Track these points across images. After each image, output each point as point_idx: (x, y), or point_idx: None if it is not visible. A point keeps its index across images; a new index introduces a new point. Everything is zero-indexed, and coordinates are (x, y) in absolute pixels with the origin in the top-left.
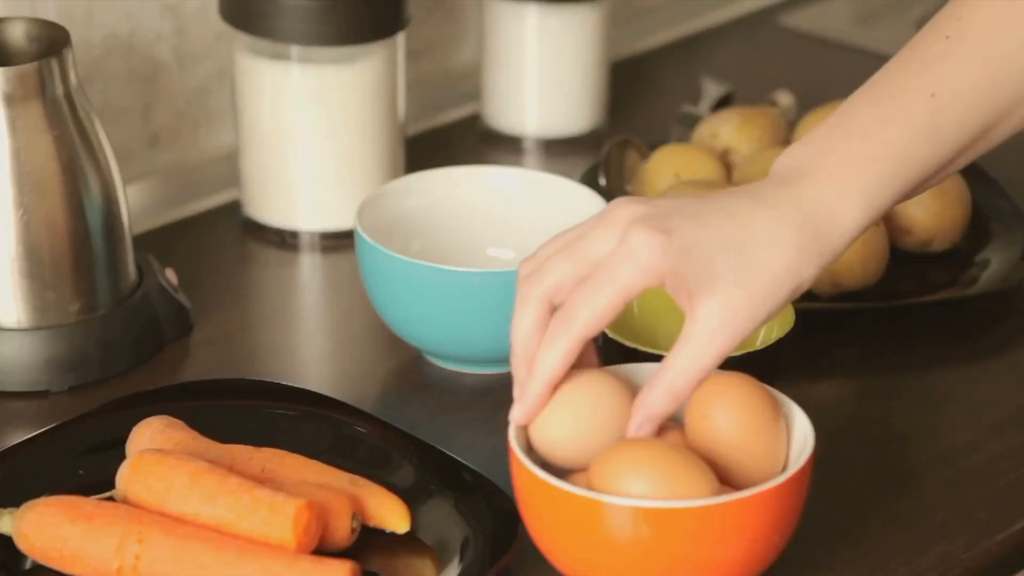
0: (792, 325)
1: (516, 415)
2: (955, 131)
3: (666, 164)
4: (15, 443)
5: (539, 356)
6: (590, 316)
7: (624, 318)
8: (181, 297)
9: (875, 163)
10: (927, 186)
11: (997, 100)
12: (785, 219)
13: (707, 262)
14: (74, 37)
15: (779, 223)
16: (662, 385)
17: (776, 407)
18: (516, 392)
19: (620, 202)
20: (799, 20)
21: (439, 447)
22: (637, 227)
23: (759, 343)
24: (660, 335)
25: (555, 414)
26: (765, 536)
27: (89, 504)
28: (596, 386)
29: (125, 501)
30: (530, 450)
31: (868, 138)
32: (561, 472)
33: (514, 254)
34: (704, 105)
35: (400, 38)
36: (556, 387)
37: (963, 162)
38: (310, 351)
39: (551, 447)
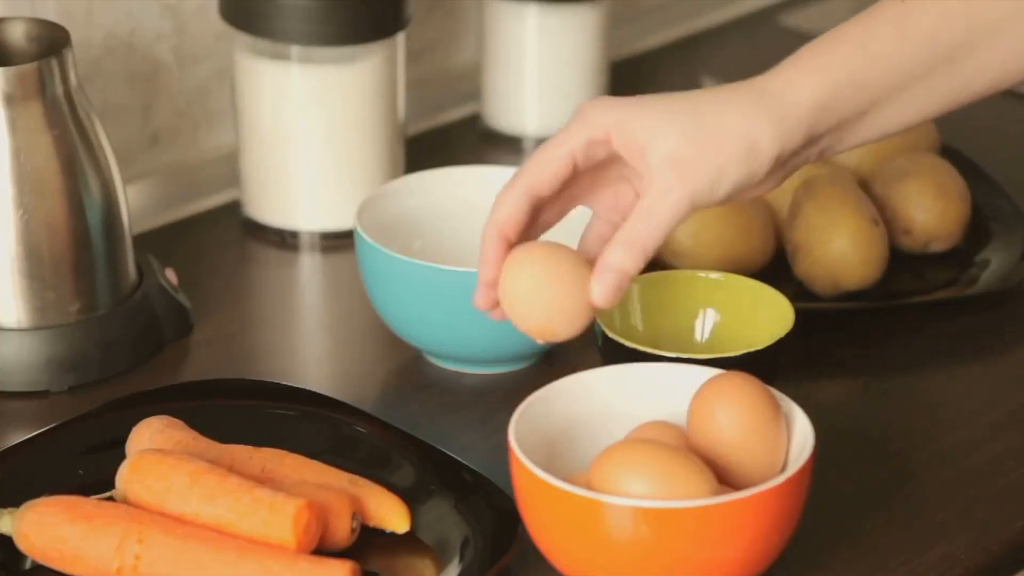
0: (792, 325)
1: (480, 275)
2: (919, 39)
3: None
4: (15, 443)
5: (490, 214)
6: (535, 164)
7: (624, 318)
8: (181, 297)
9: (832, 49)
10: (895, 102)
11: (968, 22)
12: (736, 90)
13: (657, 119)
14: (74, 37)
15: (729, 92)
16: (621, 238)
17: (776, 407)
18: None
19: None
20: (799, 20)
21: (439, 447)
22: (596, 99)
23: (759, 343)
24: (660, 335)
25: (514, 274)
26: (765, 536)
27: (89, 504)
28: (551, 248)
29: (125, 501)
30: (528, 451)
31: (824, 55)
32: (560, 470)
33: None
34: None
35: (400, 38)
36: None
37: (931, 93)
38: (310, 351)
39: (515, 308)
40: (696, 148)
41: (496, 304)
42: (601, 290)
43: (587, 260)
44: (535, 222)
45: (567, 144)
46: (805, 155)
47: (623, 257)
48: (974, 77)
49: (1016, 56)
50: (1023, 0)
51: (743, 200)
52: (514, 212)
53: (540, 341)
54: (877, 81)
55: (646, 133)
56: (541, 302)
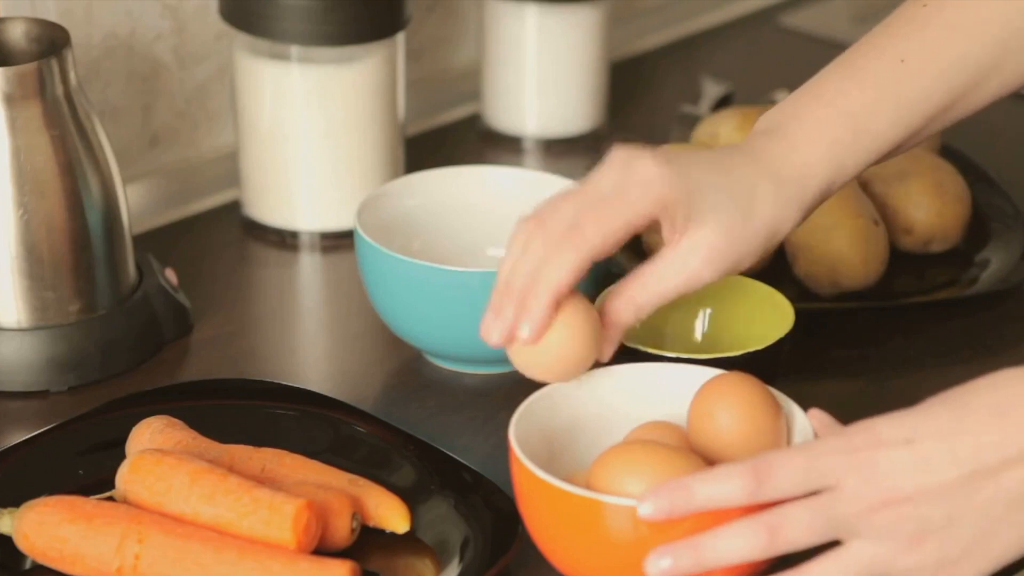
0: (792, 325)
1: (522, 333)
2: (923, 97)
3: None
4: (15, 443)
5: (543, 271)
6: (599, 233)
7: None
8: (181, 297)
9: (840, 126)
10: (900, 150)
11: (968, 68)
12: (763, 171)
13: (701, 198)
14: (74, 37)
15: (759, 174)
16: (625, 294)
17: (777, 407)
18: (494, 318)
19: (618, 148)
20: (799, 20)
21: (439, 447)
22: (644, 158)
23: (759, 343)
24: (660, 335)
25: (556, 332)
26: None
27: (89, 504)
28: (585, 306)
29: (125, 501)
30: (528, 451)
31: (835, 103)
32: (560, 470)
33: None
34: (704, 105)
35: (400, 38)
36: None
37: (934, 128)
38: (310, 351)
39: (543, 364)
40: (726, 242)
41: (508, 343)
42: (609, 351)
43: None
44: None
45: (630, 216)
46: None
47: (626, 316)
48: (977, 105)
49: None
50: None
51: None
52: (573, 279)
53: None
54: (883, 147)
55: (689, 215)
56: (557, 355)
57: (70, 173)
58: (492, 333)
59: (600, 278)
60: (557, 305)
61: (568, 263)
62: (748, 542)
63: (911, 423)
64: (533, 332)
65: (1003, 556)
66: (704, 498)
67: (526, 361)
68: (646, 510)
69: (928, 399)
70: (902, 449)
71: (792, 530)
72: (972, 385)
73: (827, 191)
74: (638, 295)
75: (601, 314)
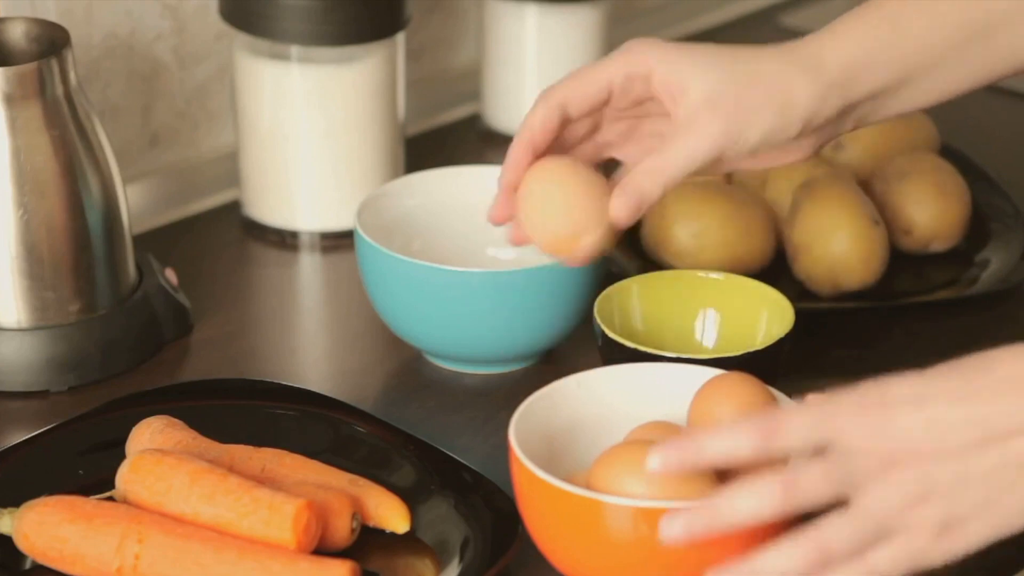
0: (792, 325)
1: (500, 180)
2: (951, 17)
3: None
4: (15, 443)
5: (521, 123)
6: (569, 80)
7: (624, 318)
8: (181, 297)
9: (865, 22)
10: (929, 76)
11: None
12: (774, 48)
13: (699, 61)
14: (74, 37)
15: (768, 48)
16: (646, 164)
17: (776, 407)
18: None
19: None
20: (799, 20)
21: (439, 447)
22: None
23: (759, 343)
24: (660, 335)
25: (534, 182)
26: (765, 536)
27: (89, 504)
28: (573, 162)
29: (125, 501)
30: (528, 451)
31: (864, 12)
32: (560, 470)
33: (514, 254)
34: None
35: (400, 38)
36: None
37: (965, 68)
38: (310, 351)
39: (532, 217)
40: (732, 90)
41: (510, 217)
42: (620, 204)
43: (608, 182)
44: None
45: (607, 70)
46: (840, 124)
47: (645, 180)
48: (1009, 52)
49: None
50: None
51: (745, 199)
52: (545, 121)
53: (557, 259)
54: (910, 57)
55: (686, 73)
56: (559, 211)
57: (70, 173)
58: (493, 208)
59: (600, 278)
60: (533, 150)
61: (539, 108)
62: (762, 501)
63: (923, 384)
64: (507, 177)
65: (1007, 522)
66: (713, 452)
67: (529, 227)
68: (654, 463)
69: (940, 365)
70: (913, 409)
71: (805, 486)
72: (989, 355)
73: (844, 88)
74: (661, 162)
75: (622, 184)
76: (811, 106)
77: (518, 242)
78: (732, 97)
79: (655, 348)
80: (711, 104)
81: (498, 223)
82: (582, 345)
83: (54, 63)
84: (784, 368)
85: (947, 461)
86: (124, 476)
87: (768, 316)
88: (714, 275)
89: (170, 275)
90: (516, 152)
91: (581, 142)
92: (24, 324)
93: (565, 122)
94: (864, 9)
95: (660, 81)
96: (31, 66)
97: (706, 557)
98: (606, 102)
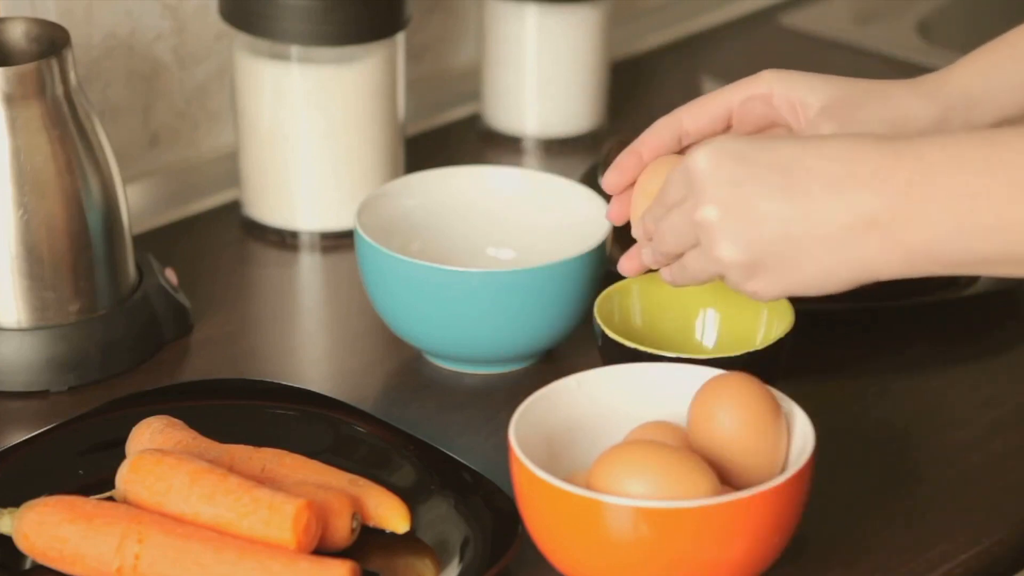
0: (792, 325)
1: (604, 180)
2: None
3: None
4: (15, 443)
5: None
6: (694, 102)
7: (624, 318)
8: (181, 297)
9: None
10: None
11: None
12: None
13: (817, 79)
14: (74, 37)
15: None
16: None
17: (777, 407)
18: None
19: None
20: (799, 20)
21: (439, 447)
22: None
23: (759, 343)
24: (660, 335)
25: (651, 178)
26: (765, 536)
27: (89, 504)
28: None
29: (125, 501)
30: (528, 451)
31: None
32: (560, 470)
33: (514, 254)
34: None
35: (400, 38)
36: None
37: None
38: (310, 351)
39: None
40: (849, 101)
41: (625, 219)
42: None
43: None
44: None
45: (726, 94)
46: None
47: (648, 263)
48: None
49: None
50: None
51: None
52: (657, 138)
53: None
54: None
55: (804, 89)
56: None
57: (70, 173)
58: (609, 210)
59: (600, 278)
60: (639, 160)
61: (658, 124)
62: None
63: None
64: (611, 180)
65: (798, 287)
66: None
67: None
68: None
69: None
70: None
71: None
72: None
73: (972, 100)
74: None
75: None
76: (928, 127)
77: (617, 219)
78: (848, 108)
79: (655, 348)
80: (828, 113)
81: (615, 223)
82: (582, 345)
83: (54, 63)
84: (784, 368)
85: (777, 223)
86: (124, 476)
87: (768, 316)
88: None
89: (170, 275)
90: (624, 160)
91: None
92: (24, 324)
93: (683, 140)
94: (992, 43)
95: (780, 96)
96: (31, 66)
97: (706, 557)
98: (726, 127)
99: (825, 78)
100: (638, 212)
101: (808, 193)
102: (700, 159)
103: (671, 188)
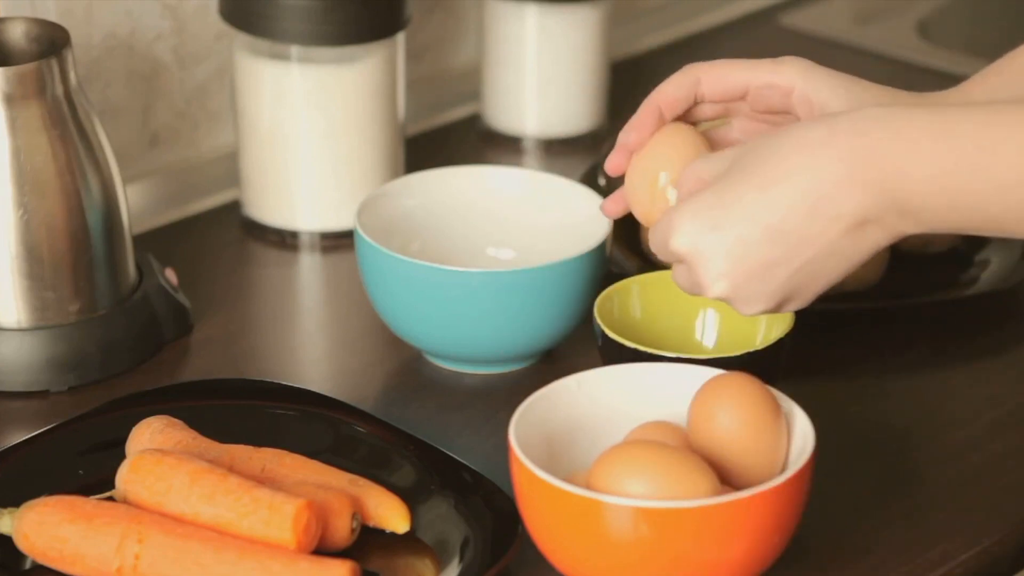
0: (792, 325)
1: (626, 138)
2: None
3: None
4: (15, 443)
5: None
6: (713, 64)
7: (624, 318)
8: (181, 297)
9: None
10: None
11: None
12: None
13: (842, 82)
14: (74, 37)
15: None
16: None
17: (777, 407)
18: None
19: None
20: (799, 20)
21: (439, 447)
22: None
23: (759, 343)
24: (660, 335)
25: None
26: (765, 536)
27: (89, 504)
28: (694, 132)
29: (125, 501)
30: (528, 451)
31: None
32: (560, 470)
33: (514, 254)
34: None
35: (400, 38)
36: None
37: None
38: (310, 351)
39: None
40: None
41: (620, 171)
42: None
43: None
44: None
45: (751, 70)
46: None
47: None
48: None
49: None
50: None
51: None
52: (678, 88)
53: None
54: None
55: (826, 93)
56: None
57: (70, 173)
58: (609, 160)
59: (600, 278)
60: (660, 117)
61: (674, 78)
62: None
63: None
64: (629, 137)
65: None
66: None
67: (637, 191)
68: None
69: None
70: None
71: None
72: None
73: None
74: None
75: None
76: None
77: (612, 214)
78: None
79: (655, 348)
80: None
81: (614, 175)
82: (582, 345)
83: (54, 63)
84: (784, 368)
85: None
86: (124, 476)
87: (768, 316)
88: None
89: (170, 275)
90: (643, 113)
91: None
92: (24, 324)
93: (698, 99)
94: (1015, 52)
95: (800, 96)
96: (31, 66)
97: (706, 557)
98: (741, 98)
99: (848, 83)
100: (649, 176)
101: (797, 230)
102: (683, 243)
103: (678, 279)
